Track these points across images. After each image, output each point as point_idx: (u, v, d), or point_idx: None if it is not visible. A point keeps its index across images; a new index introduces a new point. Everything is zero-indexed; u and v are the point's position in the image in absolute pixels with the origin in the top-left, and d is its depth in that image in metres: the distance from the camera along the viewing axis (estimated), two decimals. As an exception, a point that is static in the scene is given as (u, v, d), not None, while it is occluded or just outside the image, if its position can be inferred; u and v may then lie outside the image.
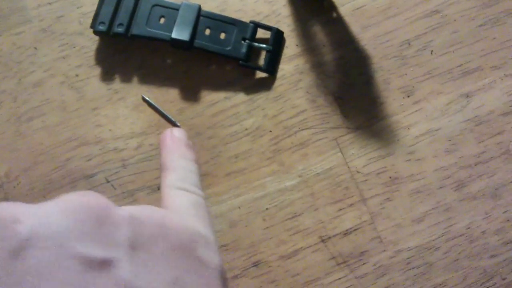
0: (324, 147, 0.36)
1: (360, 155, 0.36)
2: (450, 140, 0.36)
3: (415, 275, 0.35)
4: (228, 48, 0.37)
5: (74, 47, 0.38)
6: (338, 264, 0.35)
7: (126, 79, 0.37)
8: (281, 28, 0.37)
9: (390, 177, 0.36)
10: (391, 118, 0.36)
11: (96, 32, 0.37)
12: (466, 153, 0.36)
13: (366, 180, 0.36)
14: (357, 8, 0.38)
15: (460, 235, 0.35)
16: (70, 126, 0.37)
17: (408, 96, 0.37)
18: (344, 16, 0.38)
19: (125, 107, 0.37)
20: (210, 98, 0.37)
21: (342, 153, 0.36)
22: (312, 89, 0.37)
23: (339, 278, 0.35)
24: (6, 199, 0.35)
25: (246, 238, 0.35)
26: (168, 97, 0.37)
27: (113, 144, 0.36)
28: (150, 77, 0.37)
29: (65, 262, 0.17)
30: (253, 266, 0.35)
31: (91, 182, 0.36)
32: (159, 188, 0.35)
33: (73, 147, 0.36)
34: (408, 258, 0.35)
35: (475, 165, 0.36)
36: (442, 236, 0.35)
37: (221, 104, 0.37)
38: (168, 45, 0.36)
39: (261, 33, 0.38)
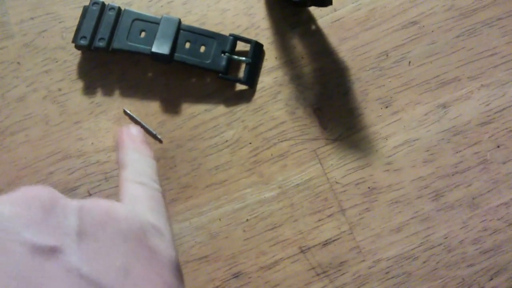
0: (303, 158, 0.37)
1: (338, 166, 0.36)
2: (427, 151, 0.36)
3: (394, 285, 0.35)
4: (208, 61, 0.37)
5: (57, 62, 0.38)
6: (318, 275, 0.35)
7: (108, 92, 0.38)
8: (261, 41, 0.38)
9: (369, 188, 0.36)
10: (369, 129, 0.37)
11: (77, 47, 0.37)
12: (443, 163, 0.36)
13: (345, 191, 0.36)
14: (336, 20, 0.39)
15: (438, 245, 0.35)
16: (53, 140, 0.37)
17: (386, 107, 0.37)
18: (322, 28, 0.38)
19: (107, 120, 0.37)
20: (191, 110, 0.37)
21: (321, 164, 0.36)
22: (291, 101, 0.37)
23: (319, 288, 0.35)
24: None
25: (226, 250, 0.36)
26: (149, 110, 0.38)
27: (95, 157, 0.37)
28: (131, 90, 0.38)
29: (11, 248, 0.17)
30: (233, 277, 0.35)
31: (74, 195, 0.36)
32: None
33: (56, 161, 0.37)
34: (387, 267, 0.35)
35: (453, 175, 0.36)
36: (421, 245, 0.35)
37: (201, 116, 0.37)
38: (149, 58, 0.37)
39: (241, 46, 0.38)
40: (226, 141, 0.37)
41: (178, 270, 0.22)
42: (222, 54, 0.37)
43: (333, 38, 0.38)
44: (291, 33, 0.38)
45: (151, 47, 0.36)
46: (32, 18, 0.39)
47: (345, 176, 0.36)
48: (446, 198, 0.36)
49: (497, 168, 0.36)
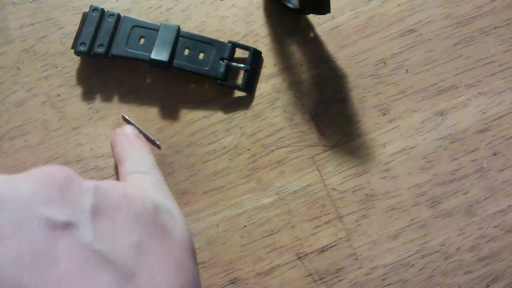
0: (301, 165, 0.37)
1: (336, 173, 0.37)
2: (425, 158, 0.37)
3: (390, 292, 0.35)
4: (207, 68, 0.37)
5: (56, 67, 0.38)
6: (315, 281, 0.35)
7: (107, 98, 0.38)
8: (259, 48, 0.38)
9: (366, 195, 0.36)
10: (366, 136, 0.37)
11: (77, 53, 0.37)
12: (440, 171, 0.36)
13: (342, 198, 0.36)
14: (334, 28, 0.39)
15: (435, 252, 0.35)
16: (52, 145, 0.37)
17: (384, 114, 0.37)
18: (320, 35, 0.39)
19: (105, 126, 0.38)
20: (189, 116, 0.38)
21: (318, 170, 0.37)
22: (289, 107, 0.38)
23: (316, 295, 0.35)
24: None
25: (224, 256, 0.36)
26: (148, 116, 0.38)
27: (93, 162, 0.37)
28: (130, 96, 0.38)
29: (29, 223, 0.18)
30: (230, 283, 0.35)
31: (72, 200, 0.36)
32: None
33: (54, 166, 0.37)
34: (384, 274, 0.35)
35: (450, 182, 0.36)
36: (417, 252, 0.35)
37: (199, 122, 0.38)
38: (147, 65, 0.37)
39: (239, 53, 0.38)
40: (224, 147, 0.37)
41: (191, 251, 0.23)
42: (221, 61, 0.37)
43: (331, 45, 0.38)
44: (289, 40, 0.39)
45: (150, 53, 0.36)
46: (32, 24, 0.39)
47: (342, 182, 0.36)
48: (443, 205, 0.36)
49: (494, 176, 0.36)
